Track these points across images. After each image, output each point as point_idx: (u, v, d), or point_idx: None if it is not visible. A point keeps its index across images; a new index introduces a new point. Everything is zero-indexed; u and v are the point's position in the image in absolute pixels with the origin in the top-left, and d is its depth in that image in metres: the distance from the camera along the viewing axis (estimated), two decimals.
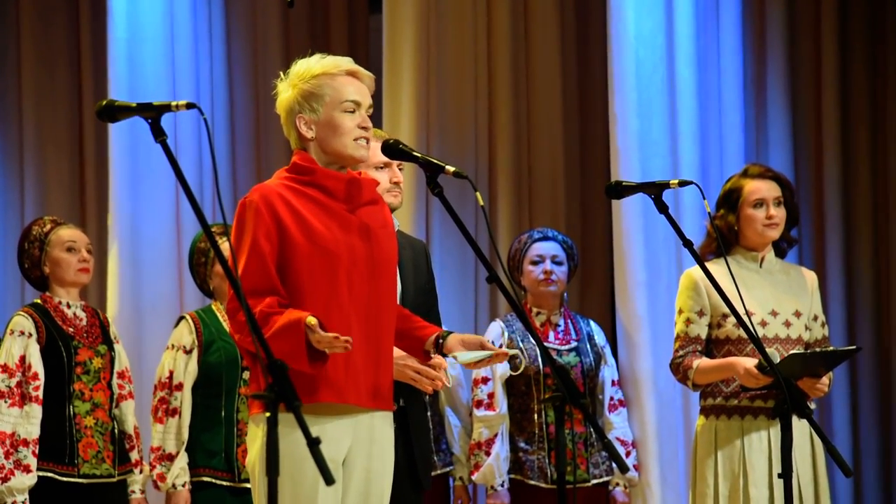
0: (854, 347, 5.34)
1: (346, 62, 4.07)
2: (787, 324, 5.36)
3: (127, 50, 6.94)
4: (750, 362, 5.11)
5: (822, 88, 7.08)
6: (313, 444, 3.15)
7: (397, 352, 4.23)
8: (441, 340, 4.14)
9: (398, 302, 4.29)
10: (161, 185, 6.89)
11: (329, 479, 3.12)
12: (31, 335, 5.62)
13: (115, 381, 5.80)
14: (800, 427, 5.13)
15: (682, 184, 4.55)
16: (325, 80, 4.04)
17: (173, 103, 3.50)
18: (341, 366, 3.94)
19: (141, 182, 6.91)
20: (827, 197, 7.03)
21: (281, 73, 4.12)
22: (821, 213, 7.07)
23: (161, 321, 6.78)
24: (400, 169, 4.75)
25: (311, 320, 3.78)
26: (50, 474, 5.58)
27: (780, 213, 5.38)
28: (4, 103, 7.64)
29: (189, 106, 3.47)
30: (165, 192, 6.93)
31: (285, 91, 4.08)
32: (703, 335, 5.37)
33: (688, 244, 4.41)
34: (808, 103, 7.16)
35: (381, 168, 4.69)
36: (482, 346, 4.07)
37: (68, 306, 5.77)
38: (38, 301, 5.77)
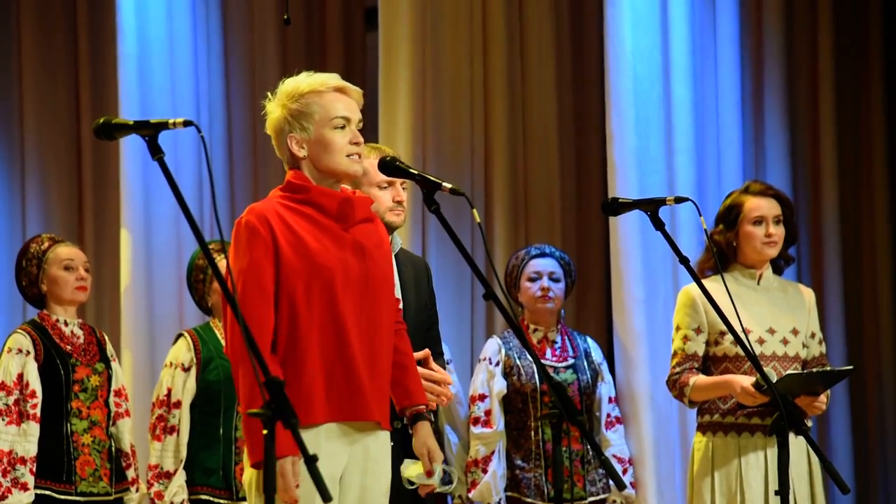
0: (850, 368, 5.33)
1: (334, 79, 4.06)
2: (785, 341, 5.35)
3: (137, 65, 6.97)
4: (747, 380, 5.10)
5: (820, 104, 7.07)
6: (311, 461, 3.14)
7: None
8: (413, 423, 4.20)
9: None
10: (169, 200, 6.87)
11: (327, 497, 3.12)
12: (28, 353, 5.62)
13: (112, 398, 5.80)
14: (796, 444, 5.12)
15: (679, 200, 4.55)
16: (314, 97, 4.02)
17: (170, 121, 3.48)
18: (336, 386, 3.94)
19: (152, 197, 6.92)
20: (825, 213, 7.02)
21: (269, 94, 4.12)
22: (819, 230, 7.05)
23: (171, 338, 6.79)
24: (403, 188, 4.73)
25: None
26: (47, 492, 5.58)
27: (779, 232, 5.38)
28: (5, 120, 7.65)
29: (186, 123, 3.45)
30: (171, 208, 6.93)
31: (274, 111, 4.07)
32: (701, 352, 5.36)
33: (684, 261, 4.40)
34: (806, 119, 7.15)
35: (385, 187, 4.67)
36: (430, 457, 4.15)
37: (66, 324, 5.77)
38: (37, 319, 5.77)
